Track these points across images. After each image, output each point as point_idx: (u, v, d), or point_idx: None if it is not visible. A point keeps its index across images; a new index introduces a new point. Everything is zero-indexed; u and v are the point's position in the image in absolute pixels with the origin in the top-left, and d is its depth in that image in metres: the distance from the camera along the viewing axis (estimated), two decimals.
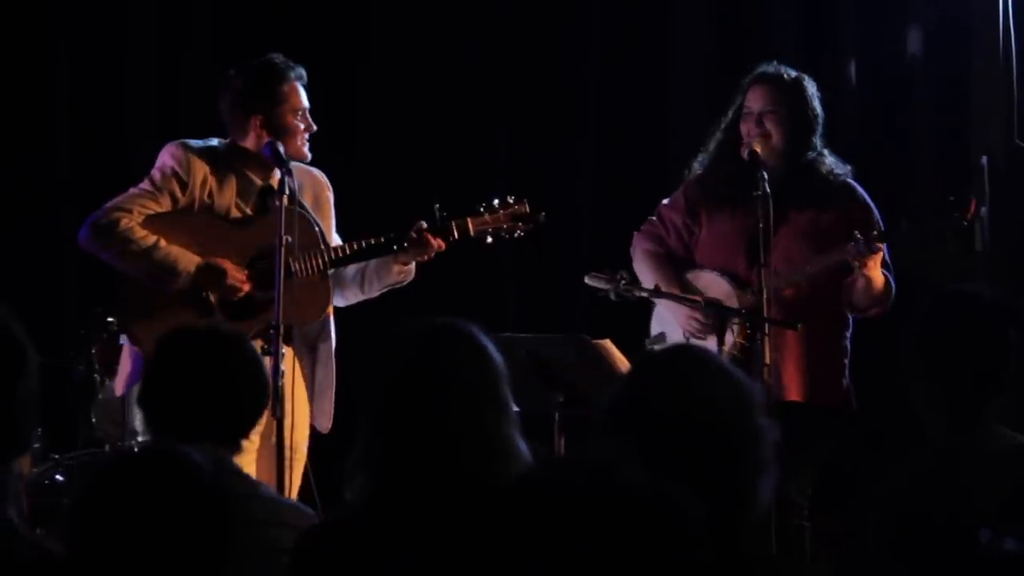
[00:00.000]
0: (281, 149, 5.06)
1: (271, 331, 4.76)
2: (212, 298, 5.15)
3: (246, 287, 5.16)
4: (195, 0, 7.35)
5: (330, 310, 5.30)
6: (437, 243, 5.19)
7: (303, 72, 5.27)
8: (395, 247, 5.20)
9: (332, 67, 7.17)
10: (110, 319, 6.08)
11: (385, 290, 5.35)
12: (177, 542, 2.40)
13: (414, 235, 5.17)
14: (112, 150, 7.11)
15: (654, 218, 5.71)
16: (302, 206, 5.05)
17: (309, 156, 5.28)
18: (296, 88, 5.23)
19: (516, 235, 5.32)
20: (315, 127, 5.24)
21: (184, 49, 7.33)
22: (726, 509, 2.42)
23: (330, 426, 5.26)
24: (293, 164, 5.07)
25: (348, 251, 5.22)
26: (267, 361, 3.88)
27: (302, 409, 5.17)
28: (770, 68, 5.53)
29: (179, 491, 2.42)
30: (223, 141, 5.30)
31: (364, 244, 5.23)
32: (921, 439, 3.33)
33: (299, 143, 5.22)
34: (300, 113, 5.22)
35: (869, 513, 3.29)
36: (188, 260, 5.13)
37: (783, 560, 5.09)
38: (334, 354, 5.31)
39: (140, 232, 5.13)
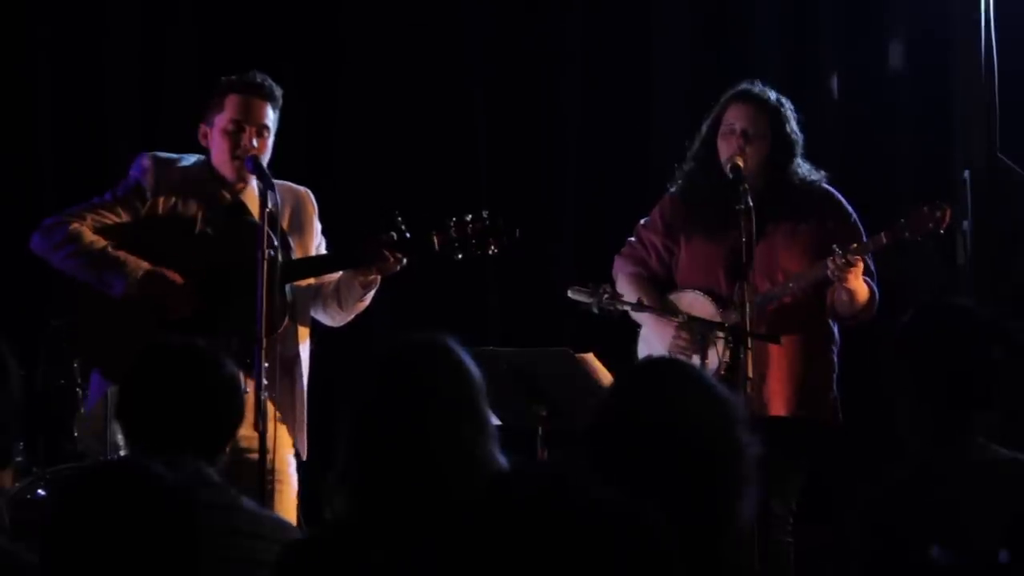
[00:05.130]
0: (263, 161, 5.05)
1: (253, 344, 4.73)
2: (165, 311, 5.01)
3: (187, 308, 5.03)
4: (178, 13, 7.35)
5: (305, 336, 5.23)
6: (397, 258, 5.02)
7: (263, 89, 5.14)
8: (351, 261, 5.08)
9: (311, 76, 7.19)
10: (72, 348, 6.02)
11: (361, 305, 5.24)
12: (143, 553, 2.41)
13: (372, 250, 5.01)
14: (94, 161, 7.10)
15: (634, 240, 5.71)
16: (273, 223, 4.87)
17: (233, 174, 5.13)
18: (235, 101, 5.12)
19: (490, 252, 5.09)
20: (254, 146, 5.06)
21: (166, 63, 7.31)
22: (707, 525, 2.42)
23: (306, 452, 5.16)
24: (276, 181, 4.95)
25: (300, 264, 5.12)
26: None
27: (279, 433, 5.05)
28: (753, 87, 5.53)
29: (141, 503, 2.43)
30: (201, 158, 5.23)
31: (315, 258, 5.16)
32: (904, 451, 3.33)
33: (224, 158, 5.12)
34: (233, 125, 5.10)
35: (851, 525, 3.29)
36: (136, 264, 5.03)
37: None
38: (306, 380, 5.21)
39: (90, 236, 5.07)
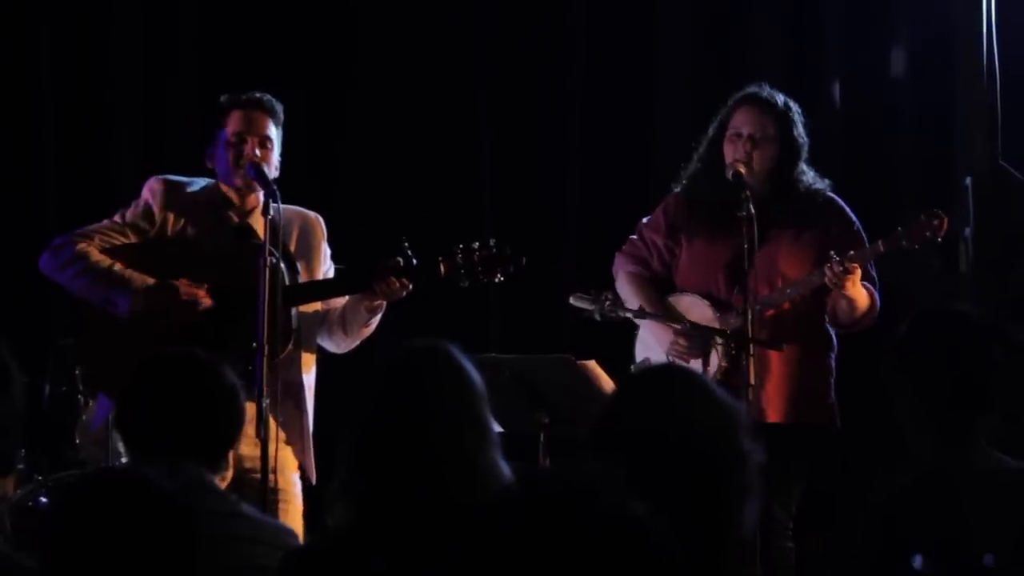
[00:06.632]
0: (265, 169, 5.05)
1: (256, 351, 4.72)
2: (172, 326, 5.00)
3: (206, 301, 5.03)
4: (181, 31, 7.35)
5: (310, 363, 5.21)
6: (402, 284, 5.01)
7: (263, 103, 5.17)
8: (356, 286, 5.07)
9: (317, 94, 7.18)
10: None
11: (366, 331, 5.21)
12: (143, 560, 2.42)
13: (378, 276, 5.00)
14: (97, 183, 7.10)
15: (635, 238, 5.70)
16: (275, 231, 4.83)
17: (238, 181, 5.13)
18: (236, 116, 5.14)
19: (496, 280, 5.09)
20: (257, 156, 5.07)
21: (168, 85, 7.31)
22: (710, 531, 2.42)
23: (315, 476, 5.13)
24: (285, 207, 4.93)
25: (305, 287, 5.12)
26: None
27: (284, 454, 5.04)
28: (761, 91, 5.52)
29: (141, 510, 2.44)
30: (210, 182, 5.24)
31: (320, 282, 5.16)
32: (907, 456, 3.33)
33: (228, 168, 5.13)
34: (235, 138, 5.12)
35: (854, 531, 3.29)
36: (142, 279, 5.05)
37: None
38: (311, 406, 5.20)
39: (97, 255, 5.08)
